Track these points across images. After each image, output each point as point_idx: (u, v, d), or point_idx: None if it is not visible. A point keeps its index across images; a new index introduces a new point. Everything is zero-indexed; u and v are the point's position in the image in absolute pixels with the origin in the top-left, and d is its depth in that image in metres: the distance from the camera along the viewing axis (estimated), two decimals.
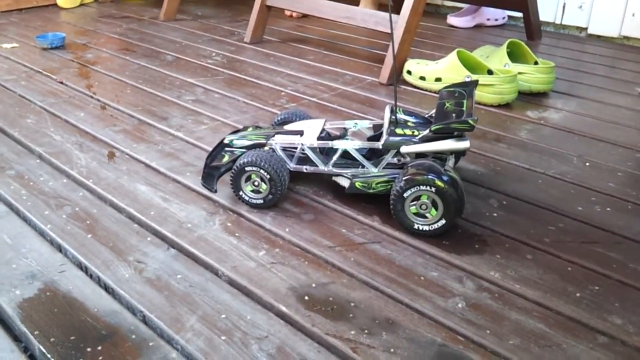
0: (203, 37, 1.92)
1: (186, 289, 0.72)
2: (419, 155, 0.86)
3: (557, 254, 0.80)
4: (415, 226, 0.82)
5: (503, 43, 1.46)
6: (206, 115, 1.25)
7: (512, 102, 1.35)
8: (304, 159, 0.92)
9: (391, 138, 0.87)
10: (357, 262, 0.77)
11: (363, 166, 0.89)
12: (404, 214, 0.82)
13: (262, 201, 0.89)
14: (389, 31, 1.51)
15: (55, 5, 2.38)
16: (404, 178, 0.81)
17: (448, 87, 0.95)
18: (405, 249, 0.81)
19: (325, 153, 0.93)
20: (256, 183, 0.88)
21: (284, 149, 0.92)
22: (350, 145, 0.90)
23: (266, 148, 0.92)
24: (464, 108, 0.86)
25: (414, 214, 0.82)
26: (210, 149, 0.97)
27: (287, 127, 0.97)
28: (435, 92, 1.42)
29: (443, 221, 0.81)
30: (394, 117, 0.90)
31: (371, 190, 0.88)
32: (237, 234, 0.83)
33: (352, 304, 0.70)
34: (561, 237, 0.84)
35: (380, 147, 0.88)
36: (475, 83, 0.95)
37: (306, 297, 0.70)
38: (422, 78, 1.45)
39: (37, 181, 0.97)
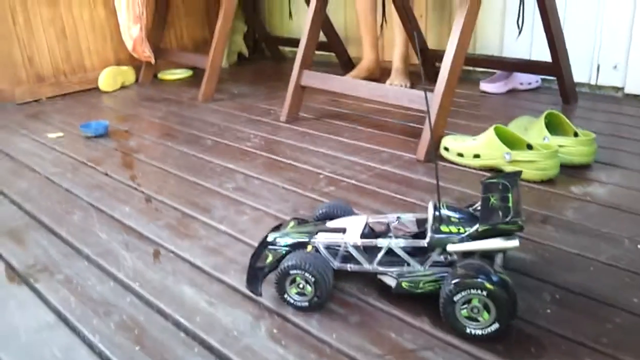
0: (240, 118, 1.96)
1: None
2: (466, 253, 0.85)
3: (618, 356, 0.76)
4: (468, 330, 0.80)
5: (539, 109, 1.45)
6: (247, 205, 1.27)
7: (555, 178, 1.33)
8: (348, 258, 0.91)
9: (436, 236, 0.86)
10: None
11: (408, 264, 0.88)
12: (455, 318, 0.80)
13: (307, 304, 0.88)
14: (424, 108, 1.53)
15: (97, 89, 2.48)
16: (453, 282, 0.79)
17: (490, 178, 0.94)
18: (458, 355, 0.78)
19: (370, 251, 0.92)
20: (301, 286, 0.88)
21: (327, 247, 0.92)
22: (395, 243, 0.89)
23: (309, 247, 0.92)
24: (510, 204, 0.85)
25: (466, 317, 0.80)
26: (253, 242, 0.98)
27: (330, 224, 0.97)
28: (474, 169, 1.41)
29: (496, 325, 0.79)
30: (437, 213, 0.89)
31: (418, 290, 0.86)
32: (283, 342, 0.82)
33: None
34: (620, 337, 0.80)
35: (426, 245, 0.87)
36: (519, 174, 0.94)
37: None
38: (460, 155, 1.44)
39: (85, 286, 0.98)
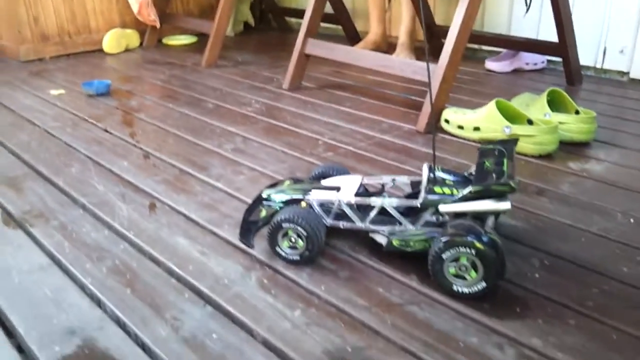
0: (243, 84, 1.96)
1: (221, 350, 0.72)
2: (458, 214, 0.85)
3: (602, 320, 0.77)
4: (455, 288, 0.81)
5: (543, 89, 1.44)
6: (245, 165, 1.27)
7: (553, 153, 1.33)
8: (341, 215, 0.92)
9: (429, 196, 0.86)
10: (394, 325, 0.76)
11: (400, 223, 0.89)
12: (443, 275, 0.81)
13: (298, 257, 0.89)
14: (426, 80, 1.52)
15: (101, 50, 2.48)
16: (442, 239, 0.80)
17: (487, 144, 0.95)
18: (444, 312, 0.79)
19: (363, 209, 0.92)
20: (293, 239, 0.88)
21: (321, 205, 0.92)
22: (388, 202, 0.89)
23: (303, 203, 0.92)
24: (505, 168, 0.85)
25: (453, 275, 0.81)
26: (249, 200, 0.98)
27: (325, 182, 0.98)
28: (473, 141, 1.41)
29: (483, 284, 0.79)
30: (432, 174, 0.89)
31: (409, 249, 0.87)
32: (272, 292, 0.83)
33: None
34: (605, 301, 0.81)
35: (419, 205, 0.87)
36: (515, 141, 0.94)
37: None
38: (460, 127, 1.44)
39: (79, 232, 0.99)
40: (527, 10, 1.92)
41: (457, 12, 1.48)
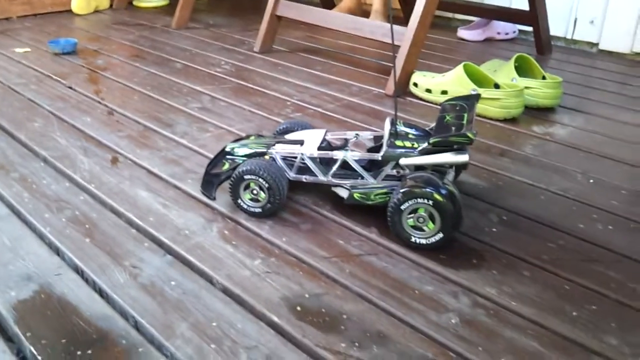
0: (213, 46, 1.93)
1: (179, 296, 0.72)
2: (418, 167, 0.86)
3: (555, 272, 0.79)
4: (412, 239, 0.82)
5: (512, 57, 1.46)
6: (211, 123, 1.26)
7: (518, 117, 1.34)
8: (304, 169, 0.92)
9: (390, 150, 0.87)
10: (352, 273, 0.77)
11: (362, 177, 0.89)
12: (401, 227, 0.82)
13: (260, 210, 0.89)
14: (396, 44, 1.52)
15: (70, 11, 2.41)
16: (401, 190, 0.80)
17: (450, 100, 0.95)
18: (401, 262, 0.80)
19: (326, 163, 0.93)
20: (255, 192, 0.88)
21: (284, 158, 0.92)
22: (350, 156, 0.90)
23: (267, 157, 0.92)
24: (464, 121, 0.86)
25: (411, 226, 0.82)
26: (212, 156, 0.98)
27: (289, 137, 0.98)
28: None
29: (440, 235, 0.81)
30: (394, 129, 0.90)
31: (369, 202, 0.88)
32: (233, 242, 0.83)
33: (344, 316, 0.69)
34: (560, 255, 0.83)
35: (380, 158, 0.88)
36: (477, 97, 0.94)
37: (298, 308, 0.70)
38: (429, 91, 1.45)
39: (39, 184, 0.98)
40: None
41: None
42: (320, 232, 0.87)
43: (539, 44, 1.96)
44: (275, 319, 0.68)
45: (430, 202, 0.79)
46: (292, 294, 0.73)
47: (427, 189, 0.79)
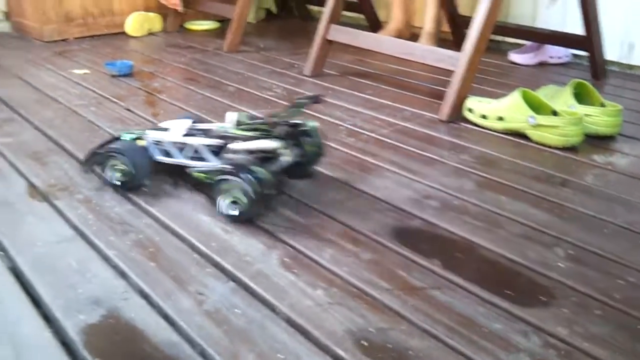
0: (264, 69, 1.96)
1: (245, 325, 0.72)
2: (251, 152, 1.00)
3: (628, 311, 0.77)
4: (230, 213, 0.95)
5: (567, 82, 1.43)
6: None
7: (578, 145, 1.31)
8: (167, 152, 1.08)
9: (229, 136, 1.04)
10: (416, 307, 0.76)
11: (208, 160, 1.04)
12: (220, 202, 0.96)
13: (119, 182, 1.05)
14: (450, 68, 1.51)
15: (124, 33, 2.48)
16: (219, 171, 0.95)
17: (298, 99, 1.13)
18: (466, 296, 0.79)
19: (186, 147, 1.07)
20: (116, 166, 1.04)
21: (155, 143, 1.08)
22: (198, 142, 1.05)
23: (142, 142, 1.09)
24: (285, 114, 1.07)
25: (231, 202, 0.94)
26: None
27: (162, 125, 1.15)
28: (496, 131, 1.40)
29: (240, 211, 0.94)
30: (238, 120, 1.07)
31: (211, 181, 0.97)
32: (294, 270, 0.83)
33: (411, 352, 0.68)
34: (632, 293, 0.80)
35: (221, 144, 1.03)
36: (315, 97, 1.14)
37: (364, 343, 0.69)
38: (484, 116, 1.43)
39: (103, 206, 1.00)
40: (553, 1, 1.89)
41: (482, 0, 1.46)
42: (381, 263, 0.86)
43: (594, 69, 1.92)
44: (342, 353, 0.67)
45: (240, 182, 0.92)
46: (357, 327, 0.72)
47: (238, 171, 0.93)
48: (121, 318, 0.73)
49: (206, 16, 2.67)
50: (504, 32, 2.18)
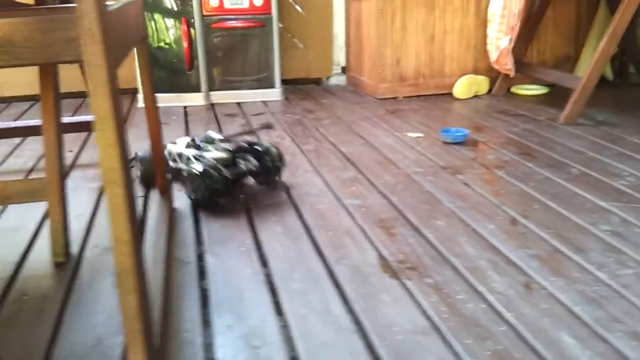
0: (609, 150, 1.76)
1: None
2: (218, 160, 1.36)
3: None
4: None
5: None
6: (628, 256, 1.11)
7: None
8: (175, 160, 1.46)
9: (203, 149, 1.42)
10: None
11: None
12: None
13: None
14: None
15: (449, 94, 2.53)
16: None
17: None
18: None
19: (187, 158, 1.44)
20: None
21: (169, 153, 1.48)
22: (187, 152, 1.41)
23: (166, 152, 1.47)
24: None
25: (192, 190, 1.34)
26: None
27: (177, 139, 1.52)
28: None
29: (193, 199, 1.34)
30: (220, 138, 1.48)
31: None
32: None
33: None
34: None
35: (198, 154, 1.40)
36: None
37: None
38: None
39: (455, 298, 0.97)
40: None
41: None
42: None
43: None
44: None
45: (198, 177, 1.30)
46: None
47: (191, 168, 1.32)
48: None
49: (534, 80, 2.56)
50: None
